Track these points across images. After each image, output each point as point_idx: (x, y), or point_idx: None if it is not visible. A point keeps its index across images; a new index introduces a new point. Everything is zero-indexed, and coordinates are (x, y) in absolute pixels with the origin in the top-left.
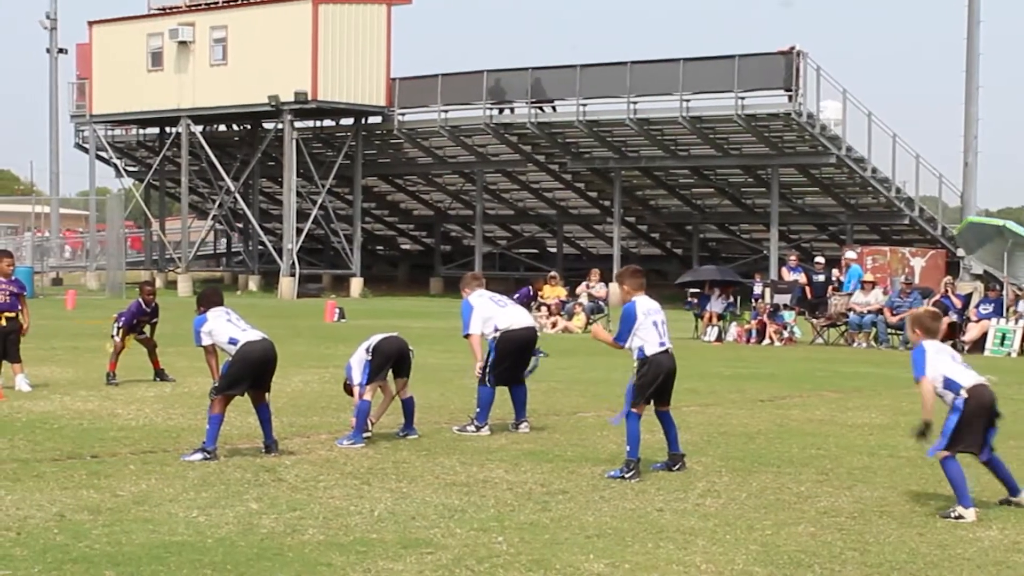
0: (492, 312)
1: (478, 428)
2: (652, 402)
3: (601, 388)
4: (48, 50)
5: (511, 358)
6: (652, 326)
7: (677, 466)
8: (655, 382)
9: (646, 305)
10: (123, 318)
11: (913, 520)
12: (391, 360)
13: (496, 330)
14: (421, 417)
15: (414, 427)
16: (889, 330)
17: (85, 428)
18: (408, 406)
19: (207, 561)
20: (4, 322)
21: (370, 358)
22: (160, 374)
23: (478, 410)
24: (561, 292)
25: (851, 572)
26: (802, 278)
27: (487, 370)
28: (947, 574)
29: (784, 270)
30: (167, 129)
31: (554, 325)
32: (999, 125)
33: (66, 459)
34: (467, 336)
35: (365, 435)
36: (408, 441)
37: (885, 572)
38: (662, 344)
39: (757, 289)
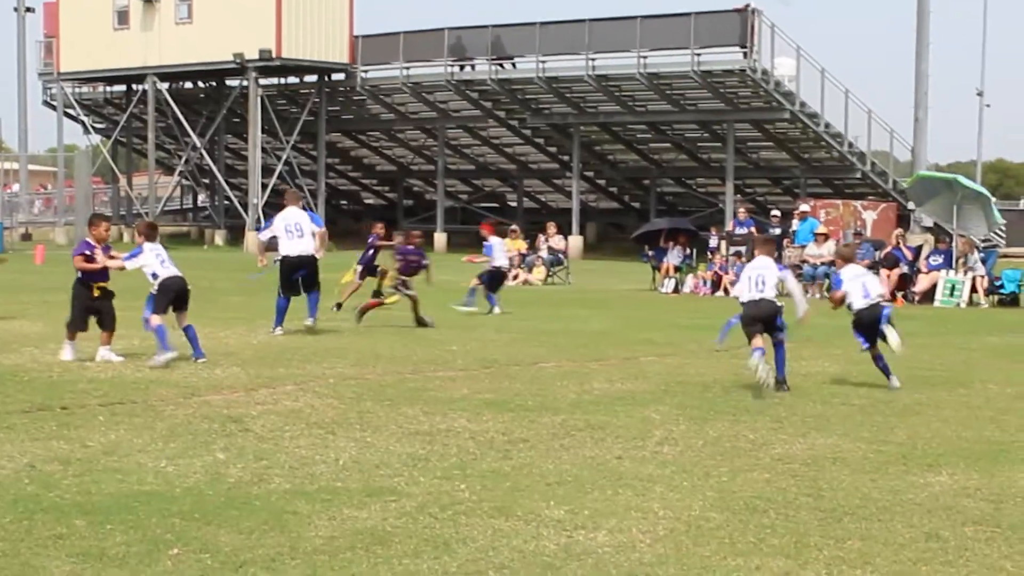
0: (279, 232)
1: (273, 330)
2: None
3: (560, 339)
4: (15, 9)
5: (287, 276)
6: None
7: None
8: None
9: None
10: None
11: (865, 466)
12: (173, 295)
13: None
14: (385, 368)
15: (201, 351)
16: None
17: (55, 380)
18: (189, 333)
19: (175, 510)
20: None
21: (155, 293)
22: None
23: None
24: (521, 245)
25: (805, 517)
26: (753, 231)
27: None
28: (898, 518)
29: (732, 224)
30: (133, 86)
31: (515, 277)
32: (950, 80)
33: (36, 411)
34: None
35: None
36: (371, 392)
37: (838, 517)
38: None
39: (713, 242)
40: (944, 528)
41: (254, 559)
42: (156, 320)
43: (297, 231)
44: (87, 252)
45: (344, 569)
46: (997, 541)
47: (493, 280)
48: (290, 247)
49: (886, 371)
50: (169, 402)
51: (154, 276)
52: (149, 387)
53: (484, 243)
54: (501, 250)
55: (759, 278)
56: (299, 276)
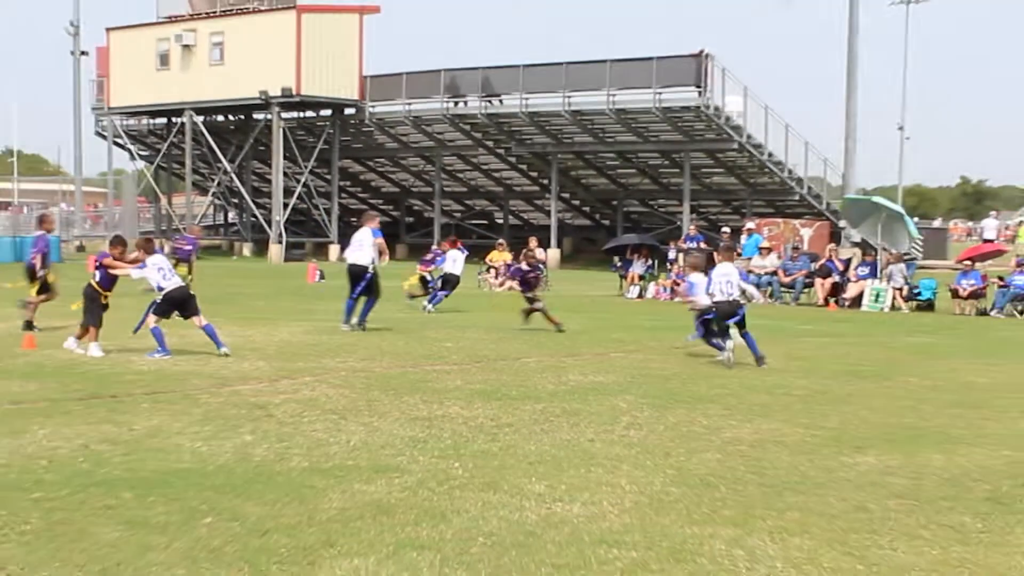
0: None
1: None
2: None
3: (541, 338)
4: (72, 53)
5: (350, 281)
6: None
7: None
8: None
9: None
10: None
11: (803, 448)
12: (176, 304)
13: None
14: (390, 362)
15: (222, 343)
16: (782, 288)
17: (105, 373)
18: (208, 331)
19: (209, 484)
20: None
21: (159, 301)
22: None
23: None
24: (507, 257)
25: (751, 492)
26: (702, 244)
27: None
28: (831, 493)
29: (683, 239)
30: (173, 119)
31: (502, 284)
32: (875, 115)
33: (89, 399)
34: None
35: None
36: (377, 383)
37: (779, 491)
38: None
39: (672, 254)
40: (871, 501)
41: (277, 527)
42: (153, 321)
43: (358, 245)
44: (111, 258)
45: (354, 536)
46: (916, 513)
47: (445, 283)
48: (351, 257)
49: (718, 346)
50: (204, 391)
51: (159, 288)
52: (187, 379)
53: (441, 255)
54: (456, 261)
55: (727, 282)
56: (359, 284)
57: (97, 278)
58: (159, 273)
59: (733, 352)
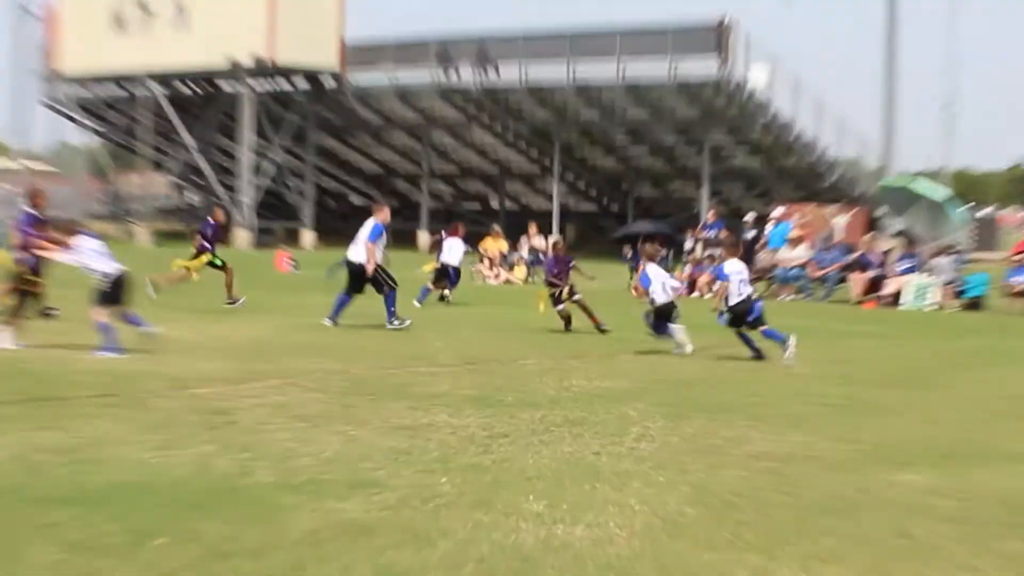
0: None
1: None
2: None
3: (540, 337)
4: (16, 12)
5: (349, 276)
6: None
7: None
8: None
9: None
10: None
11: (839, 465)
12: (121, 289)
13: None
14: (370, 363)
15: (144, 323)
16: (812, 283)
17: (47, 372)
18: (131, 320)
19: (162, 500)
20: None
21: (108, 290)
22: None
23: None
24: (503, 245)
25: (779, 513)
26: (723, 234)
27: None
28: (869, 515)
29: (700, 227)
30: (129, 89)
31: (497, 276)
32: (920, 92)
33: (28, 401)
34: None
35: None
36: (356, 387)
37: (811, 513)
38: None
39: (688, 244)
40: (915, 526)
41: (239, 550)
42: (103, 315)
43: (357, 240)
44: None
45: (328, 560)
46: (967, 540)
47: (438, 275)
48: (349, 252)
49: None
50: (159, 395)
51: (103, 275)
52: (140, 380)
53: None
54: (451, 250)
55: (741, 281)
56: (355, 281)
57: (28, 262)
58: (97, 258)
59: (686, 337)
